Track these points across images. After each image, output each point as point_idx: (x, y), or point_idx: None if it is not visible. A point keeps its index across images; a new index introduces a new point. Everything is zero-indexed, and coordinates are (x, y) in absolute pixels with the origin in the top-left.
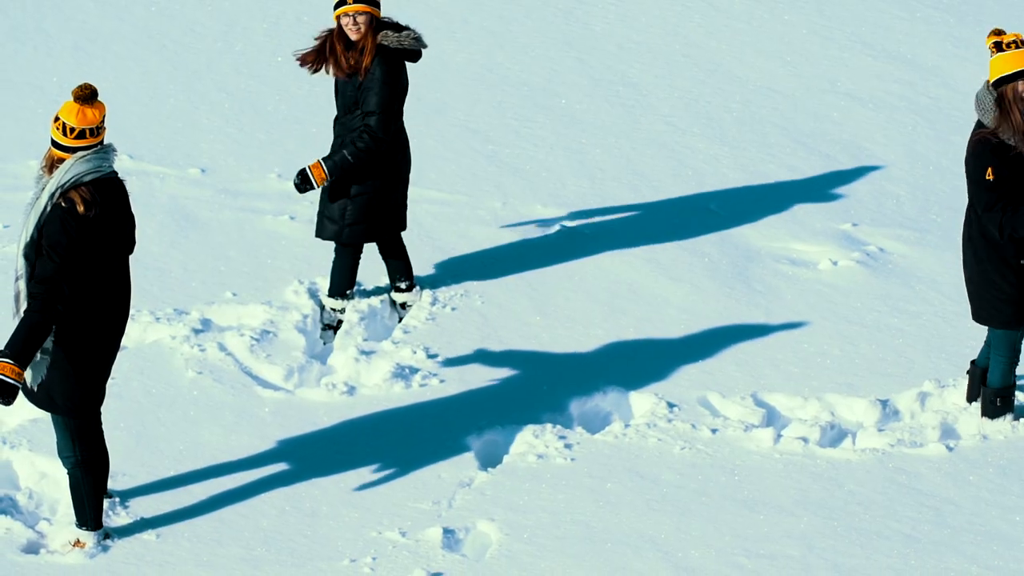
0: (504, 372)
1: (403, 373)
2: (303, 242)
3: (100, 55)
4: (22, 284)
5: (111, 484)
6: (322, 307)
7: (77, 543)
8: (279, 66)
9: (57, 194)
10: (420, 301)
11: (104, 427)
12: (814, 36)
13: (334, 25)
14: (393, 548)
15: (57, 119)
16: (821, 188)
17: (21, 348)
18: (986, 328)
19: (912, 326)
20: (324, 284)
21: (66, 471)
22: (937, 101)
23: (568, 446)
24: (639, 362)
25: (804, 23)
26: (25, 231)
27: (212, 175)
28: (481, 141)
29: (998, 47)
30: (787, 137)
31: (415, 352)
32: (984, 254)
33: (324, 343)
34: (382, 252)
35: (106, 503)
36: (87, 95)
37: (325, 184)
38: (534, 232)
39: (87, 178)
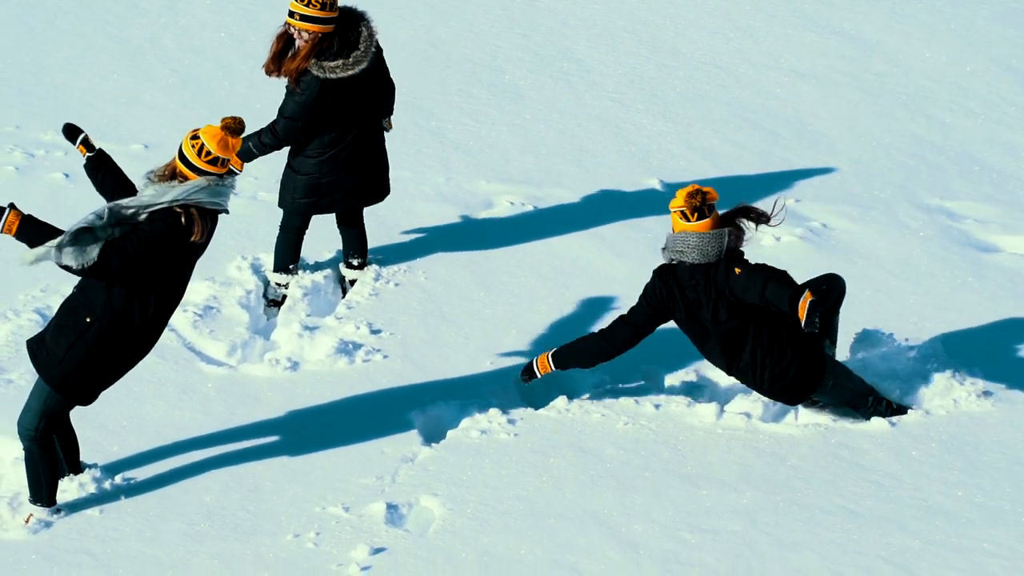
0: (447, 348)
1: (346, 349)
2: (246, 218)
3: (43, 30)
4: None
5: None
6: (266, 283)
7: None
8: (222, 42)
9: (173, 205)
10: (363, 276)
11: None
12: (758, 13)
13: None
14: (336, 523)
15: (196, 138)
16: (765, 164)
17: (36, 230)
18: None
19: (855, 301)
20: (267, 260)
21: (23, 447)
22: (880, 77)
23: (511, 421)
24: None
25: None
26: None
27: (155, 151)
28: (425, 117)
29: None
30: (731, 113)
31: (358, 327)
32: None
33: (268, 319)
34: (339, 225)
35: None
36: (237, 127)
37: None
38: (478, 208)
39: (207, 206)
